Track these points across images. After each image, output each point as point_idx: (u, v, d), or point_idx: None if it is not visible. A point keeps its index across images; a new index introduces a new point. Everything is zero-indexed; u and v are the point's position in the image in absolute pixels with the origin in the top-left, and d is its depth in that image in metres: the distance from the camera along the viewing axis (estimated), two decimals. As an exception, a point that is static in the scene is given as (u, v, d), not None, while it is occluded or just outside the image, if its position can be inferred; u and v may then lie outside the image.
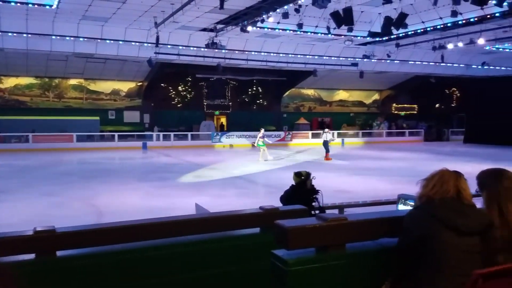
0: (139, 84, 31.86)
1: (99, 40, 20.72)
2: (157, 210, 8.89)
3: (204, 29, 20.36)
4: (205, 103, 34.03)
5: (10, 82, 28.81)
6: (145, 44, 21.31)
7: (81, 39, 20.39)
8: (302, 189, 5.43)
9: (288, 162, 18.65)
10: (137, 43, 21.38)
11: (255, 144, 20.14)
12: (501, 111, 27.17)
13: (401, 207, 4.54)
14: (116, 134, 27.06)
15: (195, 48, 22.26)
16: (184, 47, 22.20)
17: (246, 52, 23.69)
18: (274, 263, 2.23)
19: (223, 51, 21.41)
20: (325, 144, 19.41)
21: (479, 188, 2.37)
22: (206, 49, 21.26)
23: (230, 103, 34.87)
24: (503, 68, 28.62)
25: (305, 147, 27.12)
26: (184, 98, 33.17)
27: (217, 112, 34.62)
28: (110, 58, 24.68)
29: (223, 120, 34.94)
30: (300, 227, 2.24)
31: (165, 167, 17.59)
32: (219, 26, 19.29)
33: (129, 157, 21.45)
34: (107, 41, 20.87)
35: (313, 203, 5.36)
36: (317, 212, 5.23)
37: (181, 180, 13.84)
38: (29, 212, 9.08)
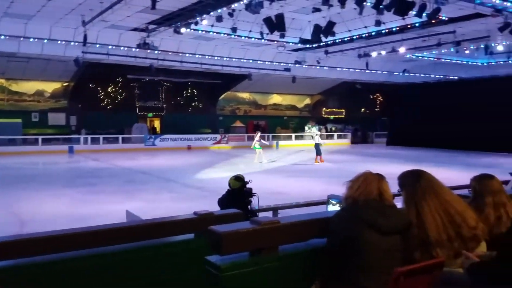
0: (65, 84, 30.19)
1: (22, 39, 19.37)
2: (85, 218, 8.48)
3: (136, 29, 19.79)
4: (137, 105, 33.04)
5: None
6: (72, 43, 20.27)
7: (2, 37, 18.96)
8: (240, 193, 5.47)
9: (224, 165, 18.66)
10: (63, 42, 20.28)
11: (252, 147, 20.47)
12: (420, 115, 29.31)
13: (330, 207, 4.74)
14: (40, 137, 25.39)
15: (125, 48, 21.55)
16: (114, 47, 21.40)
17: (180, 54, 23.37)
18: (207, 270, 2.23)
19: (156, 52, 20.95)
20: (317, 146, 19.74)
21: (400, 188, 2.53)
22: (137, 50, 20.68)
23: (164, 105, 34.17)
24: (422, 75, 30.79)
25: (241, 150, 27.28)
26: (115, 100, 31.96)
27: (150, 114, 33.74)
28: (34, 58, 23.16)
29: (157, 122, 34.16)
30: (234, 231, 2.26)
31: (94, 172, 16.83)
32: (151, 27, 18.86)
33: (54, 162, 20.26)
34: (31, 40, 19.57)
35: (248, 207, 5.42)
36: (247, 215, 5.31)
37: (111, 186, 13.33)
38: None
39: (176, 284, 2.70)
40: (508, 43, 20.17)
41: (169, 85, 33.69)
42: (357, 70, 28.28)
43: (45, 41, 19.87)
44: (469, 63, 27.45)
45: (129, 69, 28.18)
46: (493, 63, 26.54)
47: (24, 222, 8.61)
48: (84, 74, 27.69)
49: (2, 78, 27.98)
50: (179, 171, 16.91)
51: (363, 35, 19.36)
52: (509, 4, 13.72)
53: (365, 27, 18.00)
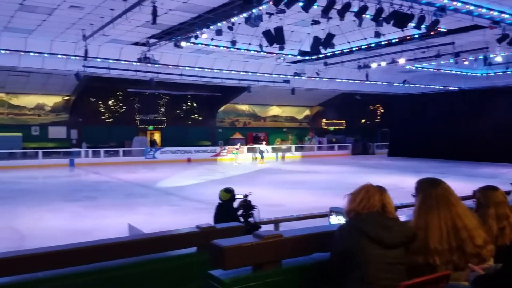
0: (65, 98, 30.30)
1: (22, 53, 19.47)
2: (85, 232, 8.43)
3: (136, 43, 19.92)
4: (137, 118, 33.10)
5: None
6: (73, 57, 20.37)
7: (2, 51, 19.06)
8: (231, 205, 5.45)
9: (221, 178, 18.62)
10: (64, 56, 20.38)
11: (232, 153, 28.20)
12: (420, 125, 29.34)
13: (333, 220, 4.70)
14: (40, 151, 25.39)
15: (126, 62, 21.66)
16: (115, 61, 21.52)
17: (180, 67, 23.48)
18: (210, 284, 2.20)
19: (156, 65, 21.06)
20: (261, 152, 26.65)
21: (415, 192, 2.51)
22: (138, 63, 20.78)
23: (164, 118, 34.24)
24: (421, 85, 30.91)
25: (239, 162, 27.25)
26: (115, 113, 32.04)
27: (150, 127, 33.80)
28: (34, 72, 23.27)
29: (157, 135, 34.17)
30: (236, 246, 2.24)
31: (94, 185, 16.79)
32: (151, 41, 18.97)
33: (54, 176, 20.20)
34: (31, 54, 19.67)
35: (249, 219, 5.39)
36: (248, 227, 5.29)
37: (111, 199, 13.29)
38: None
39: None
40: (506, 54, 20.28)
41: (169, 98, 33.80)
42: (356, 81, 28.39)
43: (46, 55, 19.97)
44: (468, 74, 27.55)
45: (129, 83, 28.31)
46: (491, 74, 26.65)
47: (24, 237, 8.55)
48: (85, 88, 27.83)
49: (2, 92, 28.09)
50: (179, 184, 16.87)
51: (363, 47, 19.47)
52: (506, 16, 13.81)
53: (365, 38, 18.10)
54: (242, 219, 5.40)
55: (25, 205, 12.03)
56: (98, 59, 20.89)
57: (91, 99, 30.62)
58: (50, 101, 30.16)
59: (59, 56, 20.26)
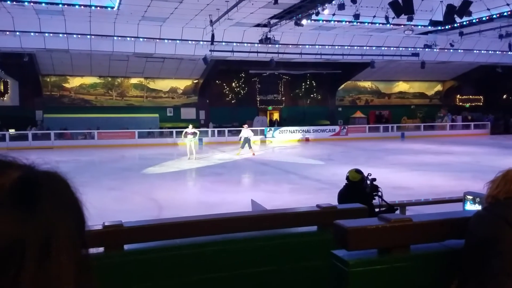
0: (195, 81, 32.62)
1: (157, 40, 21.38)
2: (213, 205, 9.06)
3: (258, 25, 20.40)
4: (258, 99, 34.18)
5: (75, 82, 30.52)
6: (201, 43, 21.72)
7: (140, 39, 21.14)
8: (359, 187, 5.29)
9: (341, 158, 18.32)
10: (193, 42, 21.84)
11: (182, 137, 20.69)
12: None
13: (468, 206, 4.30)
14: (174, 130, 27.88)
15: (248, 44, 22.38)
16: (238, 44, 22.39)
17: (300, 46, 23.46)
18: (334, 263, 2.18)
19: (277, 46, 21.34)
20: (248, 141, 19.86)
21: None
22: (259, 45, 21.30)
23: (283, 98, 34.76)
24: None
25: (361, 142, 26.49)
26: (238, 94, 33.52)
27: (270, 108, 34.65)
28: (168, 57, 25.42)
29: (276, 115, 34.91)
30: (361, 227, 2.18)
31: (220, 162, 17.90)
32: (272, 21, 19.24)
33: (186, 153, 21.99)
34: (165, 41, 21.48)
35: (374, 201, 5.22)
36: (381, 209, 5.12)
37: (235, 176, 14.02)
38: (93, 206, 9.55)
39: (300, 274, 2.71)
40: None
41: (288, 78, 34.11)
42: (497, 52, 25.36)
43: (178, 41, 21.63)
44: None
45: (251, 65, 29.26)
46: None
47: (162, 207, 9.51)
48: (211, 71, 29.58)
49: (142, 77, 31.30)
50: (297, 163, 17.05)
51: (505, 13, 17.20)
52: None
53: (507, 4, 15.98)
54: (376, 201, 5.25)
55: (162, 179, 13.37)
56: (223, 43, 21.92)
57: (216, 81, 32.45)
58: (182, 84, 32.77)
59: (189, 42, 21.77)
